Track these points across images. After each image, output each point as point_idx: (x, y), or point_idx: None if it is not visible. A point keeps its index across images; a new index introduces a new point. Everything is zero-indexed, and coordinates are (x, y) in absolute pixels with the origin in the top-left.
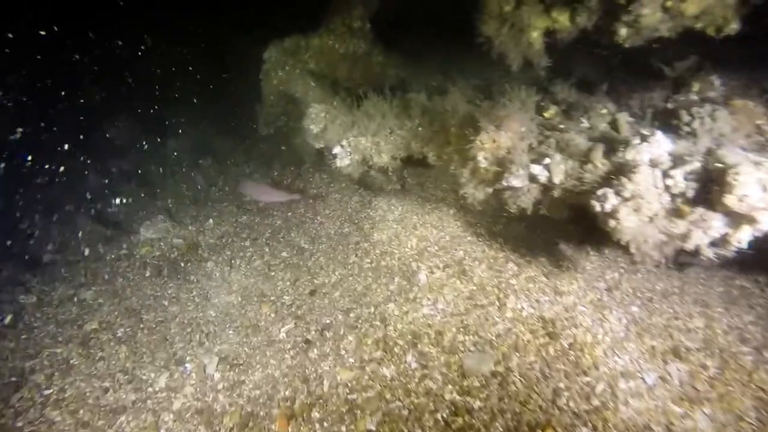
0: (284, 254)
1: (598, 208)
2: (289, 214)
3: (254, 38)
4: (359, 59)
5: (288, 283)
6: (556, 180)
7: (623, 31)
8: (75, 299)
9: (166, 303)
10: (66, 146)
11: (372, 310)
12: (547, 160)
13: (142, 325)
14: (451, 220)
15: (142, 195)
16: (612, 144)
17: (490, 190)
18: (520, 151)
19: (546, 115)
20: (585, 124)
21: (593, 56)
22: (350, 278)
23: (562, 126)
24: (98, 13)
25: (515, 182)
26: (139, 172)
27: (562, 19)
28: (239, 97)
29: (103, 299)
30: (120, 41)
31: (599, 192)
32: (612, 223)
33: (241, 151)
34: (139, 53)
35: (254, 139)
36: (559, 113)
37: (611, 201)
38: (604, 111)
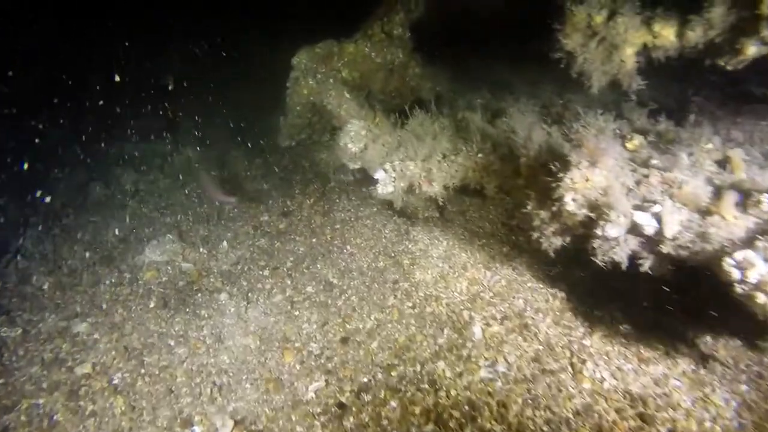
0: (309, 289)
1: (735, 275)
2: (314, 240)
3: (279, 41)
4: (395, 70)
5: (315, 326)
6: (669, 233)
7: (752, 50)
8: (67, 333)
9: (172, 343)
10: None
11: (418, 368)
12: (657, 208)
13: (143, 370)
14: (505, 260)
15: (150, 209)
16: (735, 190)
17: (570, 236)
18: (618, 193)
19: (629, 146)
20: (685, 160)
21: (683, 77)
22: (389, 325)
23: (655, 161)
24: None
25: (612, 232)
26: (149, 182)
27: (665, 33)
28: (258, 104)
29: (99, 334)
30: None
31: (738, 256)
32: (762, 298)
33: (258, 164)
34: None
35: (273, 151)
36: (645, 145)
37: (759, 269)
38: (710, 146)
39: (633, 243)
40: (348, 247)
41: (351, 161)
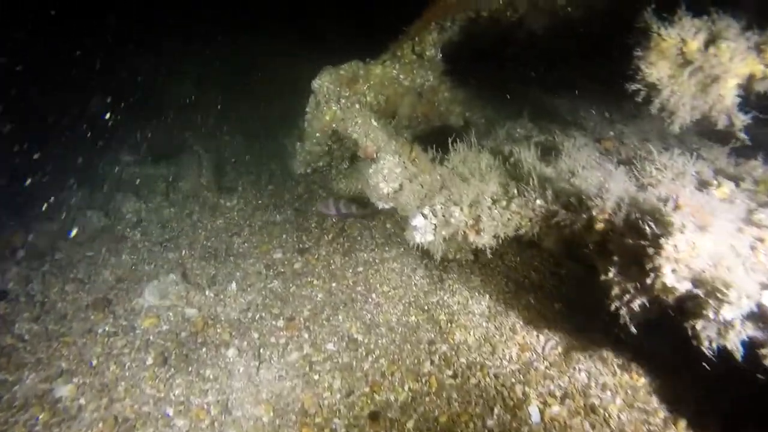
0: (330, 346)
1: None
2: (334, 284)
3: (300, 58)
4: (424, 94)
5: (338, 396)
6: None
7: None
8: (47, 399)
9: (170, 412)
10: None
11: None
12: None
13: None
14: (558, 320)
15: (152, 242)
16: None
17: (658, 308)
18: (735, 265)
19: (718, 194)
20: None
21: None
22: (427, 399)
23: (762, 217)
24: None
25: (729, 314)
26: (152, 210)
27: None
28: (273, 125)
29: (86, 399)
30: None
31: None
32: None
33: (270, 192)
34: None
35: (287, 178)
36: (738, 194)
37: None
38: None
39: (750, 328)
40: (373, 295)
41: (382, 201)
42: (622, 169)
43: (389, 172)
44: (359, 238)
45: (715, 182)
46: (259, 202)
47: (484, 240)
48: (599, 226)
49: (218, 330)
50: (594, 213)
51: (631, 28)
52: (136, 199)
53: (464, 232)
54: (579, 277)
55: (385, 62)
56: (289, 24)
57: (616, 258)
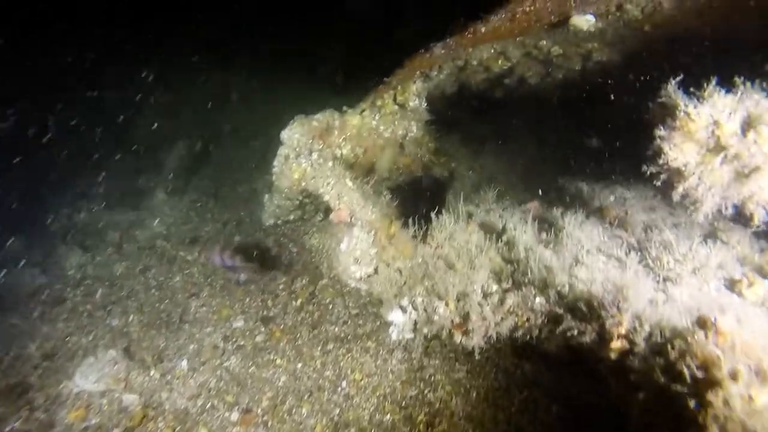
0: None
1: None
2: (299, 366)
3: (271, 100)
4: (406, 145)
5: None
6: None
7: None
8: None
9: None
10: None
11: None
12: None
13: None
14: (556, 427)
15: (95, 305)
16: None
17: None
18: None
19: (749, 295)
20: None
21: None
22: None
23: None
24: None
25: None
26: (100, 265)
27: None
28: (242, 169)
29: None
30: None
31: None
32: None
33: (236, 245)
34: None
35: (256, 228)
36: None
37: None
38: None
39: None
40: (344, 383)
41: (356, 283)
42: (636, 262)
43: (362, 254)
44: (330, 306)
45: (745, 280)
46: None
47: (474, 342)
48: (616, 345)
49: (160, 425)
50: (608, 325)
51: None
52: (82, 252)
53: (450, 331)
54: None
55: (363, 112)
56: (271, 59)
57: (641, 396)
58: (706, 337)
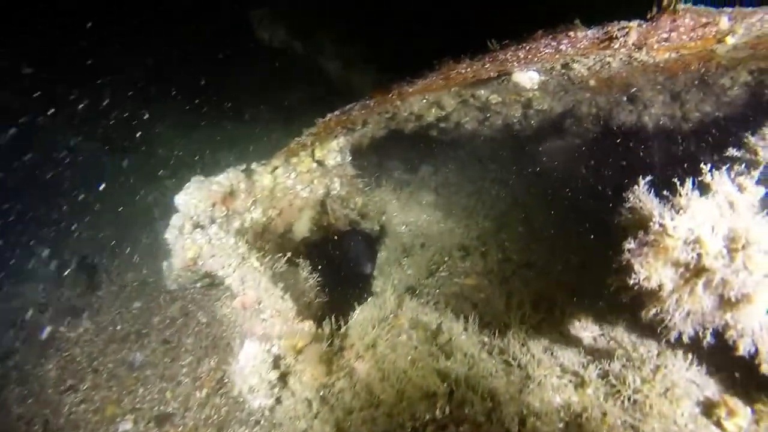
0: None
1: None
2: None
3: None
4: (329, 203)
5: None
6: None
7: None
8: None
9: None
10: None
11: None
12: None
13: None
14: None
15: None
16: None
17: None
18: None
19: (727, 426)
20: None
21: None
22: None
23: None
24: None
25: None
26: None
27: None
28: (151, 214)
29: None
30: None
31: None
32: None
33: (134, 314)
34: None
35: (161, 289)
36: None
37: None
38: None
39: None
40: None
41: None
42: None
43: (260, 382)
44: (242, 400)
45: (723, 407)
46: (118, 328)
47: None
48: None
49: None
50: None
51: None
52: None
53: None
54: None
55: (276, 170)
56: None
57: None
58: None
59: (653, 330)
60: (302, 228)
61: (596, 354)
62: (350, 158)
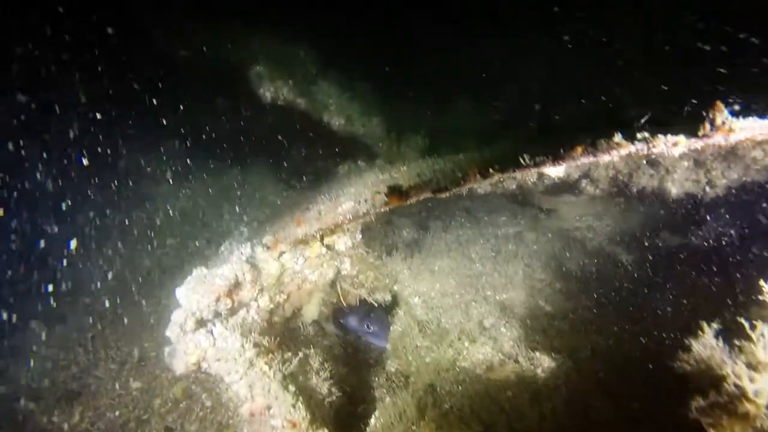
0: None
1: None
2: None
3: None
4: (339, 281)
5: None
6: None
7: None
8: None
9: None
10: None
11: None
12: None
13: None
14: None
15: None
16: None
17: None
18: None
19: None
20: None
21: None
22: None
23: None
24: None
25: None
26: None
27: None
28: (152, 277)
29: None
30: None
31: None
32: None
33: (131, 398)
34: None
35: (162, 368)
36: None
37: None
38: None
39: None
40: None
41: None
42: None
43: None
44: None
45: None
46: (116, 414)
47: None
48: None
49: None
50: None
51: None
52: None
53: None
54: None
55: (281, 256)
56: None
57: None
58: None
59: None
60: (312, 310)
61: None
62: (360, 237)
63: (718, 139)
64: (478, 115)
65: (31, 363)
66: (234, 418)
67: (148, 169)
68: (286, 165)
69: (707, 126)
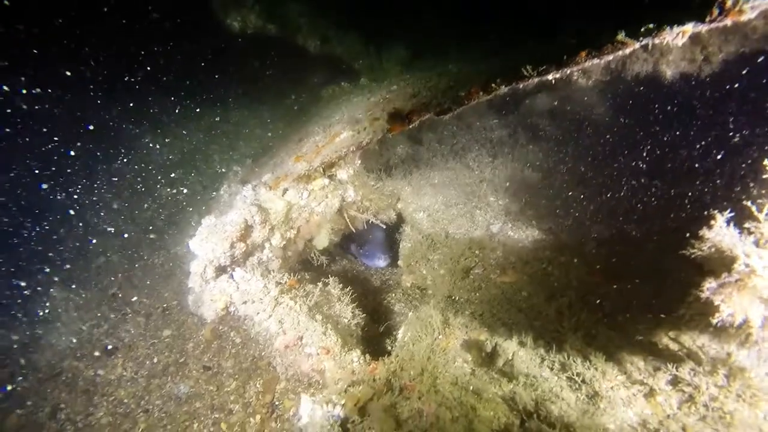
0: None
1: None
2: None
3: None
4: (346, 208)
5: None
6: None
7: None
8: None
9: None
10: None
11: None
12: None
13: None
14: None
15: None
16: None
17: None
18: None
19: None
20: None
21: None
22: None
23: None
24: None
25: None
26: None
27: None
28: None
29: None
30: None
31: None
32: None
33: (166, 342)
34: None
35: (188, 313)
36: None
37: None
38: None
39: None
40: None
41: None
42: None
43: None
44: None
45: None
46: (155, 360)
47: None
48: None
49: None
50: None
51: None
52: None
53: None
54: None
55: (286, 192)
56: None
57: None
58: None
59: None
60: (323, 240)
61: (662, 359)
62: (360, 162)
63: (727, 22)
64: (460, 17)
65: (63, 327)
66: (266, 350)
67: (132, 121)
68: (266, 96)
69: (715, 11)
